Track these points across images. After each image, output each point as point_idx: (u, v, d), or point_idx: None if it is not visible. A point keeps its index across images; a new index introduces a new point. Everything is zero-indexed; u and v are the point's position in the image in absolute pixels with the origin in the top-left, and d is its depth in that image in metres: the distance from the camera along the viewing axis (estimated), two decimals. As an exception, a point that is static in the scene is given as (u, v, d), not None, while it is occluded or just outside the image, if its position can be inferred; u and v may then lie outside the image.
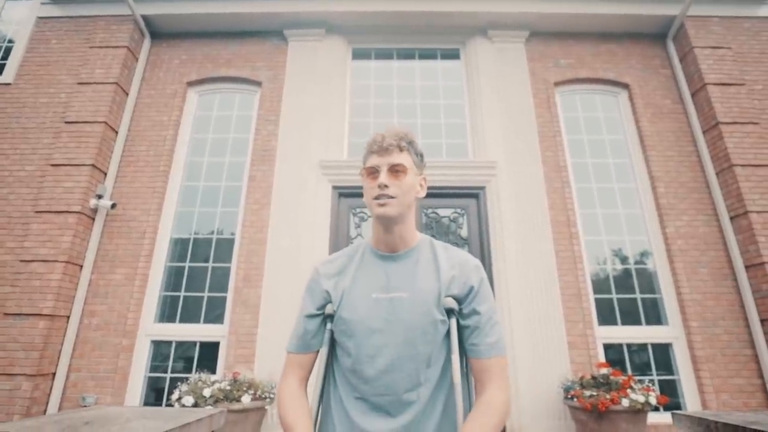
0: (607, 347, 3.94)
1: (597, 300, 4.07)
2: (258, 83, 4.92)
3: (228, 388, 3.18)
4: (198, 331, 4.08)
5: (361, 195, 4.49)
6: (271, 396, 3.33)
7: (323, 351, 1.09)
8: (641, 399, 2.95)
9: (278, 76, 4.90)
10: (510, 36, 4.94)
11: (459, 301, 1.06)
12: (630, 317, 4.04)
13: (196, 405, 2.94)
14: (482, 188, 4.42)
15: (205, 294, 4.23)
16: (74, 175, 4.15)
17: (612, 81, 4.82)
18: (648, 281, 4.16)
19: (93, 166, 4.22)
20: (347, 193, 4.47)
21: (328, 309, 1.10)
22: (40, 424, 1.20)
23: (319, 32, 5.01)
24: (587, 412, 3.05)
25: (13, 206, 4.16)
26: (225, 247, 4.41)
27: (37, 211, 4.05)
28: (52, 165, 4.21)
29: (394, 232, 1.09)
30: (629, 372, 3.81)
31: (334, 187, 4.45)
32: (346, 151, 4.71)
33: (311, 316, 1.13)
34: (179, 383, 3.45)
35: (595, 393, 3.09)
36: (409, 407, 1.01)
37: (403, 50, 5.22)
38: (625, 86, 4.81)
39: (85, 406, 3.57)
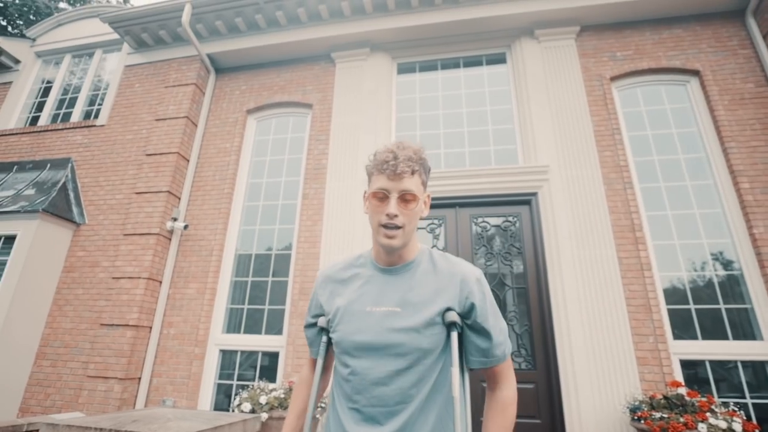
0: (688, 364, 3.53)
1: (671, 311, 3.67)
2: (309, 105, 5.21)
3: (282, 396, 3.35)
4: (260, 342, 4.35)
5: (409, 207, 4.53)
6: (322, 405, 3.45)
7: (319, 362, 1.14)
8: (722, 425, 2.60)
9: (327, 97, 5.14)
10: (559, 33, 4.72)
11: (461, 315, 1.07)
12: (713, 331, 3.58)
13: (253, 411, 3.14)
14: (534, 194, 4.23)
15: (266, 306, 4.51)
16: (153, 201, 4.69)
17: (679, 69, 4.38)
18: (734, 289, 3.67)
19: (169, 192, 4.73)
20: (395, 206, 4.52)
21: (321, 321, 1.16)
22: (97, 420, 1.40)
23: (364, 51, 5.19)
24: (657, 437, 2.75)
25: (107, 230, 4.80)
26: (283, 261, 4.68)
27: (125, 234, 4.63)
28: (136, 193, 4.80)
29: (394, 254, 1.12)
30: (715, 393, 3.37)
31: (382, 200, 4.53)
32: (393, 164, 4.77)
33: (308, 326, 1.22)
34: (241, 390, 3.71)
35: (666, 415, 2.78)
36: (399, 419, 1.02)
37: (448, 60, 5.21)
38: (695, 73, 4.35)
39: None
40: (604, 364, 3.44)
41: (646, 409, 2.95)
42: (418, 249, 1.17)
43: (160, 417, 1.35)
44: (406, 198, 1.06)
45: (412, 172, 1.07)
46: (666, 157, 4.19)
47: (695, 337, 3.58)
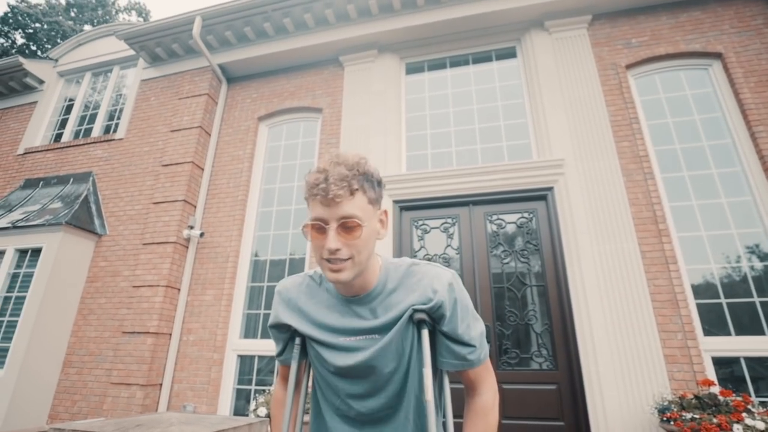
0: (721, 362, 3.33)
1: (700, 306, 3.48)
2: (319, 110, 5.23)
3: (298, 400, 3.34)
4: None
5: (421, 207, 4.47)
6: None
7: (293, 366, 1.06)
8: (760, 425, 2.43)
9: (336, 101, 5.15)
10: (570, 23, 4.60)
11: (431, 317, 0.98)
12: (748, 326, 3.37)
13: (268, 415, 3.13)
14: (550, 189, 4.11)
15: (282, 311, 4.51)
16: (170, 210, 4.79)
17: (699, 53, 4.19)
18: (768, 281, 3.45)
19: (184, 201, 4.82)
20: (408, 206, 4.48)
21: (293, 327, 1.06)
22: (103, 424, 1.40)
23: (371, 53, 5.18)
24: (688, 439, 2.59)
25: (126, 240, 4.93)
26: (297, 266, 4.69)
27: (144, 243, 4.74)
28: (154, 203, 4.91)
29: (353, 285, 0.98)
30: (752, 392, 3.17)
31: (395, 201, 4.49)
32: (405, 165, 4.74)
33: (274, 326, 1.11)
34: (258, 395, 3.72)
35: (697, 416, 2.62)
36: (387, 422, 1.00)
37: (456, 57, 5.14)
38: (717, 56, 4.15)
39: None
40: (630, 362, 3.29)
41: (675, 409, 2.79)
42: (380, 268, 1.02)
43: (163, 421, 1.35)
44: (347, 225, 0.88)
45: (351, 192, 0.88)
46: (689, 145, 4.01)
47: (728, 333, 3.38)
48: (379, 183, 0.96)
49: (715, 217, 3.71)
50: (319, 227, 0.89)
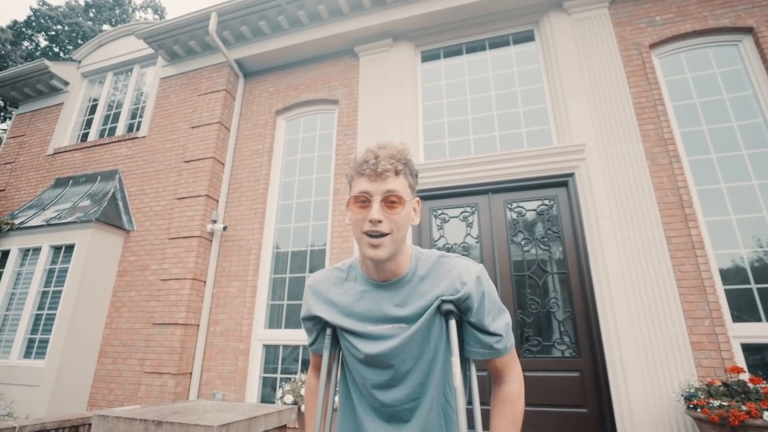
0: (751, 349, 3.25)
1: (729, 292, 3.40)
2: (335, 101, 5.24)
3: (323, 388, 3.43)
4: (300, 336, 4.46)
5: (440, 196, 4.47)
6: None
7: (325, 355, 1.10)
8: (792, 412, 2.38)
9: (352, 92, 5.15)
10: (590, 3, 4.45)
11: (459, 309, 1.01)
12: (779, 311, 3.28)
13: (294, 402, 3.24)
14: (571, 175, 4.04)
15: (304, 301, 4.60)
16: (193, 205, 4.91)
17: (728, 28, 4.02)
18: (802, 266, 3.34)
19: (207, 196, 4.94)
20: (427, 196, 4.47)
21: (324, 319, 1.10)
22: (143, 411, 1.49)
23: (386, 42, 5.14)
24: (716, 426, 2.56)
25: (153, 235, 5.09)
26: (318, 257, 4.76)
27: (169, 238, 4.89)
28: (178, 198, 5.04)
29: (385, 268, 1.01)
30: (784, 379, 3.09)
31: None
32: (422, 155, 4.73)
33: (313, 336, 1.16)
34: (284, 383, 3.83)
35: (726, 403, 2.58)
36: (420, 413, 1.02)
37: (473, 43, 5.06)
38: (748, 30, 3.97)
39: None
40: (655, 350, 3.25)
41: (703, 396, 2.76)
42: (411, 256, 1.06)
43: (199, 408, 1.42)
44: (390, 200, 0.94)
45: (396, 172, 0.96)
46: (717, 125, 3.87)
47: (759, 319, 3.29)
48: (417, 175, 1.05)
49: (746, 200, 3.59)
50: (363, 200, 0.96)
